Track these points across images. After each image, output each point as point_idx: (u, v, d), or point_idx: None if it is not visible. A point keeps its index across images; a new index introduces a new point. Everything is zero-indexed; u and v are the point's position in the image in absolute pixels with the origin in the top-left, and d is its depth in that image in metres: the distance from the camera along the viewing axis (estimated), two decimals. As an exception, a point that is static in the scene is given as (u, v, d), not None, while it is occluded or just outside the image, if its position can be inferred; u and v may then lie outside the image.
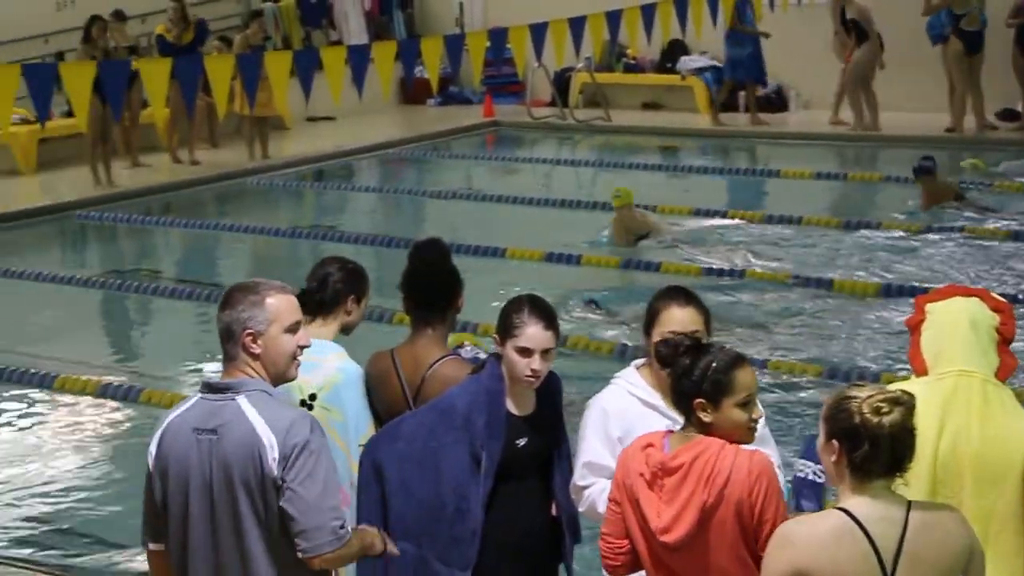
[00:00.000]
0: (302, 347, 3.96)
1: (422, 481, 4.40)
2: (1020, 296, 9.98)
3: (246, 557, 3.79)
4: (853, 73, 17.12)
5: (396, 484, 4.44)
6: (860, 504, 3.49)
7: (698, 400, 3.83)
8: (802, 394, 8.47)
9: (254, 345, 3.87)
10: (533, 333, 4.38)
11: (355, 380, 4.87)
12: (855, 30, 16.99)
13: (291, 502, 3.71)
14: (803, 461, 4.56)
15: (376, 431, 4.88)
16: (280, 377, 3.95)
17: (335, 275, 4.98)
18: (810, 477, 4.34)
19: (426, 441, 4.42)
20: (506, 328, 4.41)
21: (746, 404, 3.85)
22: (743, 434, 3.87)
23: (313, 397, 4.80)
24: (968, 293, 4.21)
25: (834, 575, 3.44)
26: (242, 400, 3.80)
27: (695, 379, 3.84)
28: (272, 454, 3.71)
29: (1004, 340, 4.12)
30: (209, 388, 3.87)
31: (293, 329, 3.92)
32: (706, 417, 3.83)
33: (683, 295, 4.44)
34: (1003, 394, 4.04)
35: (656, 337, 4.33)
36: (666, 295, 4.45)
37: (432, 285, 4.92)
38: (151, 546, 3.96)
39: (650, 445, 3.89)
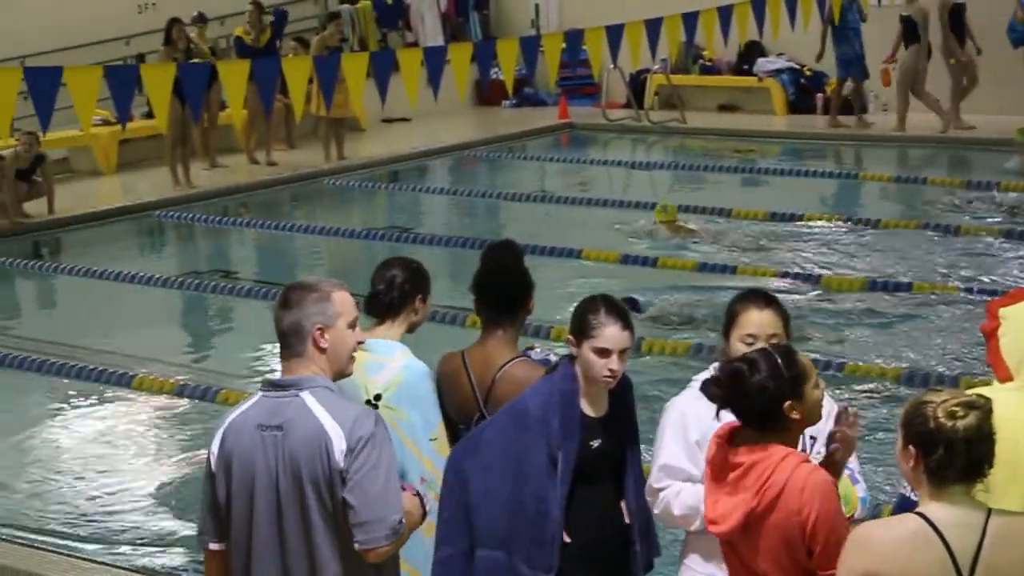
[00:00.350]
0: (359, 343, 4.04)
1: (505, 487, 4.40)
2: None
3: (313, 552, 3.81)
4: (901, 76, 17.06)
5: (481, 493, 4.43)
6: (938, 510, 3.45)
7: (787, 403, 3.81)
8: (880, 398, 8.38)
9: (323, 339, 3.91)
10: (611, 334, 4.37)
11: (421, 378, 4.87)
12: (907, 29, 16.88)
13: (353, 493, 3.75)
14: None
15: (443, 429, 4.89)
16: (340, 373, 4.00)
17: (401, 276, 4.98)
18: (913, 497, 4.27)
19: (506, 446, 4.42)
20: (582, 329, 4.40)
21: (816, 384, 3.87)
22: (818, 413, 3.90)
23: (378, 397, 4.80)
24: None
25: None
26: (306, 396, 3.84)
27: (775, 386, 3.81)
28: (340, 446, 3.74)
29: None
30: (272, 385, 3.91)
31: (353, 325, 3.99)
32: (796, 415, 3.83)
33: (763, 297, 4.40)
34: None
35: (735, 339, 4.31)
36: (745, 297, 4.42)
37: (504, 286, 4.91)
38: (212, 546, 3.97)
39: (723, 436, 3.90)
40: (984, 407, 3.47)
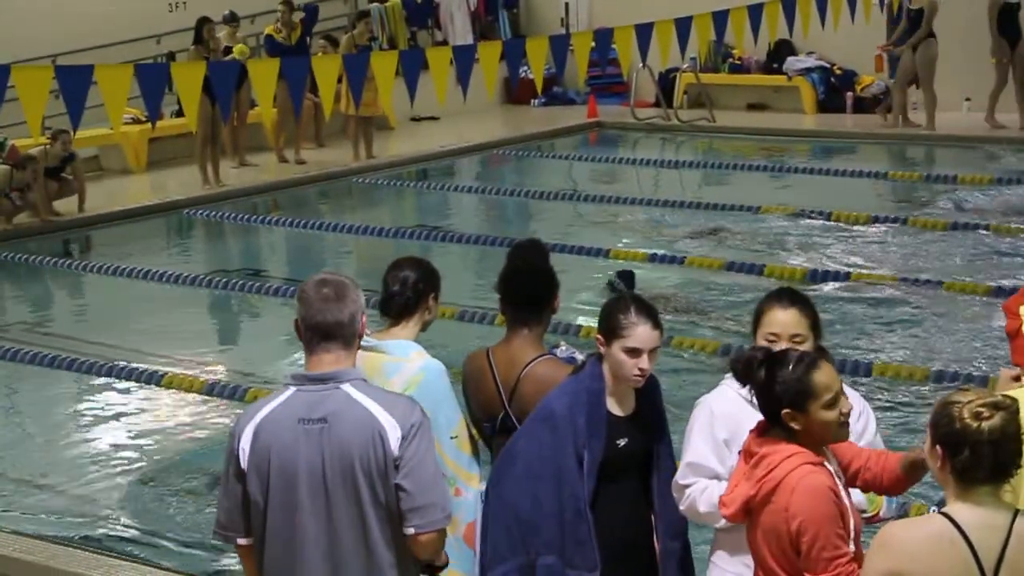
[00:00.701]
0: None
1: (548, 491, 4.40)
2: None
3: (368, 541, 3.84)
4: (903, 73, 17.02)
5: (529, 503, 4.42)
6: (963, 510, 3.45)
7: (785, 411, 3.82)
8: (909, 397, 8.34)
9: (366, 331, 3.98)
10: (642, 333, 4.38)
11: (438, 376, 4.85)
12: (914, 23, 16.77)
13: (408, 479, 3.79)
14: None
15: (464, 427, 4.89)
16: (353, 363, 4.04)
17: (414, 275, 4.98)
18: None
19: (541, 452, 4.42)
20: (612, 329, 4.40)
21: (833, 403, 3.82)
22: (836, 432, 3.87)
23: None
24: None
25: None
26: (348, 388, 3.86)
27: (777, 392, 3.84)
28: (395, 434, 3.79)
29: None
30: (308, 380, 3.90)
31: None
32: (796, 425, 3.84)
33: (787, 297, 4.39)
34: None
35: (759, 338, 4.31)
36: (771, 296, 4.42)
37: (530, 285, 4.92)
38: (241, 541, 3.96)
39: (756, 428, 3.96)
40: (1010, 408, 3.45)
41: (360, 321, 3.95)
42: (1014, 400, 3.50)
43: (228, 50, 15.91)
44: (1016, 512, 3.46)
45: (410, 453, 3.80)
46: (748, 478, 3.87)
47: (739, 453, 3.99)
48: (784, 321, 4.30)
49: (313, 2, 19.69)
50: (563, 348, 4.97)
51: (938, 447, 3.50)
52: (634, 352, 4.37)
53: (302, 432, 3.82)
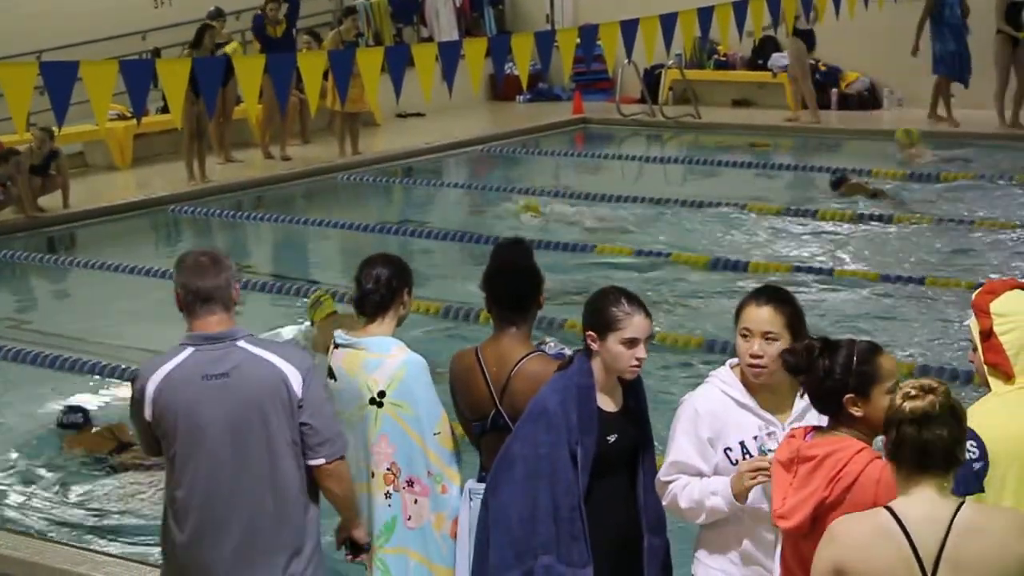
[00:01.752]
0: None
1: (544, 491, 4.41)
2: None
3: (277, 477, 4.33)
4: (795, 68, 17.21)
5: (530, 506, 4.42)
6: (906, 503, 3.43)
7: (848, 396, 3.82)
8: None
9: (238, 295, 4.48)
10: (638, 323, 4.42)
11: (420, 372, 4.89)
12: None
13: (313, 416, 4.35)
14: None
15: (446, 423, 4.91)
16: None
17: (386, 272, 5.00)
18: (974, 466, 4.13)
19: (536, 452, 4.43)
20: (607, 322, 4.42)
21: (893, 389, 3.78)
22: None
23: (382, 395, 4.82)
24: (1014, 286, 4.03)
25: (867, 572, 3.40)
26: (244, 344, 4.37)
27: (839, 376, 3.83)
28: (297, 379, 4.31)
29: None
30: (204, 339, 4.34)
31: None
32: (857, 411, 3.84)
33: (764, 295, 4.41)
34: None
35: (737, 334, 4.33)
36: (751, 294, 4.45)
37: (516, 283, 4.93)
38: (155, 459, 4.45)
39: (793, 436, 3.94)
40: (941, 391, 3.43)
41: (234, 287, 4.42)
42: (945, 385, 3.47)
43: (219, 46, 15.89)
44: (960, 504, 3.42)
45: (311, 395, 4.34)
46: (806, 483, 3.79)
47: (774, 464, 3.91)
48: (757, 318, 4.31)
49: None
50: (551, 344, 4.99)
51: (882, 435, 3.55)
52: (632, 343, 4.41)
53: (207, 387, 4.27)
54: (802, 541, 3.82)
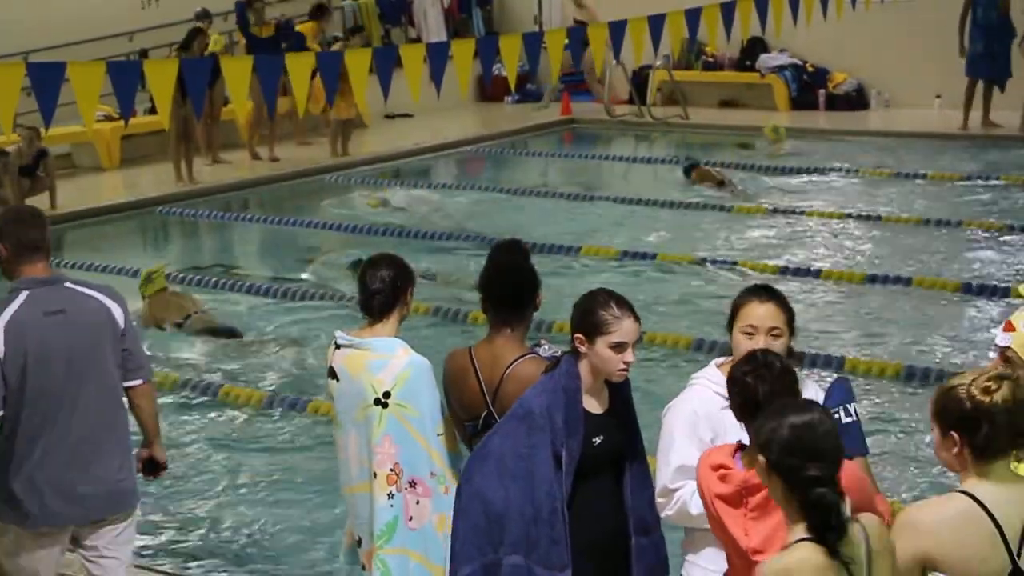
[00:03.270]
0: None
1: (521, 491, 4.40)
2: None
3: (113, 394, 5.09)
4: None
5: (502, 502, 4.42)
6: (984, 487, 3.51)
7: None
8: (881, 392, 8.40)
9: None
10: (627, 327, 4.41)
11: (424, 373, 4.89)
12: None
13: (132, 343, 5.17)
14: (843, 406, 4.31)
15: (448, 423, 4.91)
16: None
17: (390, 273, 5.02)
18: (843, 420, 4.22)
19: (516, 450, 4.42)
20: (596, 326, 4.41)
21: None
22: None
23: (387, 395, 4.83)
24: None
25: (960, 560, 3.47)
26: (70, 285, 5.09)
27: (776, 390, 3.82)
28: (119, 312, 5.09)
29: None
30: (37, 283, 5.00)
31: None
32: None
33: (765, 291, 4.42)
34: None
35: (736, 331, 4.34)
36: (749, 291, 4.45)
37: (512, 285, 4.93)
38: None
39: (723, 466, 3.88)
40: (1012, 377, 3.56)
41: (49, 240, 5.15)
42: (1012, 371, 3.64)
43: (207, 48, 15.88)
44: None
45: (129, 326, 5.15)
46: (767, 510, 3.72)
47: (716, 501, 3.83)
48: (762, 314, 4.32)
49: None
50: (545, 347, 4.97)
51: (953, 433, 3.55)
52: (620, 347, 4.40)
53: (50, 322, 4.94)
54: None
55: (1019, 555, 3.48)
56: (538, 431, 4.40)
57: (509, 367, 4.80)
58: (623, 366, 4.42)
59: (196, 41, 15.67)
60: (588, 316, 4.44)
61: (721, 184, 14.60)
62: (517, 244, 5.14)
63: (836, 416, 4.09)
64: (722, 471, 3.85)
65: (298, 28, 17.85)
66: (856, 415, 4.23)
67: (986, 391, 3.51)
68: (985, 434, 3.50)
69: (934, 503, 3.61)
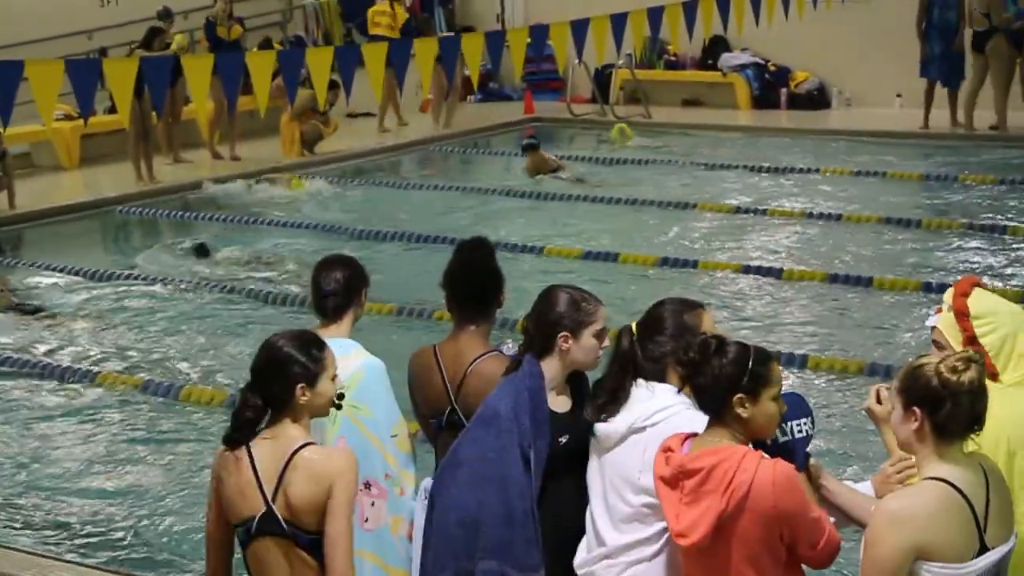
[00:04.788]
0: None
1: (495, 495, 4.38)
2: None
3: None
4: None
5: (475, 507, 4.40)
6: (950, 471, 3.60)
7: (738, 396, 3.82)
8: (843, 390, 8.43)
9: None
10: (604, 312, 4.49)
11: (379, 374, 4.89)
12: None
13: None
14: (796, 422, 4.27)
15: (403, 425, 4.89)
16: None
17: (345, 274, 5.02)
18: (798, 435, 4.22)
19: (486, 455, 4.41)
20: (582, 319, 4.44)
21: (777, 398, 3.88)
22: (773, 426, 3.92)
23: (341, 396, 4.81)
24: (975, 283, 4.14)
25: (947, 545, 3.55)
26: None
27: (732, 374, 3.84)
28: None
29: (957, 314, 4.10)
30: None
31: None
32: (744, 412, 3.84)
33: (700, 304, 4.44)
34: None
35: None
36: (693, 305, 4.39)
37: (478, 283, 4.94)
38: None
39: (670, 449, 3.90)
40: (980, 362, 3.65)
41: None
42: (980, 355, 3.70)
43: (166, 46, 15.78)
44: (979, 462, 3.66)
45: None
46: (698, 496, 3.77)
47: (657, 481, 3.88)
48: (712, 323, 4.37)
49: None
50: (509, 345, 4.98)
51: (915, 409, 3.63)
52: (601, 333, 4.44)
53: None
54: (703, 556, 3.80)
55: (985, 531, 3.59)
56: (506, 433, 4.39)
57: (472, 364, 4.80)
58: (600, 352, 4.46)
59: (156, 40, 15.59)
60: (573, 311, 4.46)
61: (555, 170, 15.00)
62: (483, 242, 5.14)
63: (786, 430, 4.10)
64: (668, 454, 3.87)
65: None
66: (806, 432, 4.18)
67: (954, 371, 3.61)
68: (948, 412, 3.60)
69: (913, 493, 3.66)
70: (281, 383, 4.14)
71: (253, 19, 19.37)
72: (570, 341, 4.45)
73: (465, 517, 4.40)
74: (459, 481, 4.44)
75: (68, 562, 6.37)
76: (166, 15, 16.62)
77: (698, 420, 4.03)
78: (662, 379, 4.20)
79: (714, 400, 3.88)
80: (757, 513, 3.72)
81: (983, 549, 3.59)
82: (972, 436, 3.65)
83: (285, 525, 4.06)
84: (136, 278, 11.66)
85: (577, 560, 4.31)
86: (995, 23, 16.38)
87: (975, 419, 3.63)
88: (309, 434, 4.20)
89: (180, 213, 14.33)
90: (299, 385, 4.13)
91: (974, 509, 3.57)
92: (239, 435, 4.16)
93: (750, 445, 3.88)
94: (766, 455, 3.81)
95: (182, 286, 11.34)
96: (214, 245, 12.46)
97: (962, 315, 4.10)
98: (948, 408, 3.59)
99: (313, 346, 4.21)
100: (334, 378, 4.24)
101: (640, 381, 4.22)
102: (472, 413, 4.60)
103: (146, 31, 15.83)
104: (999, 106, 16.76)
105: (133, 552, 6.76)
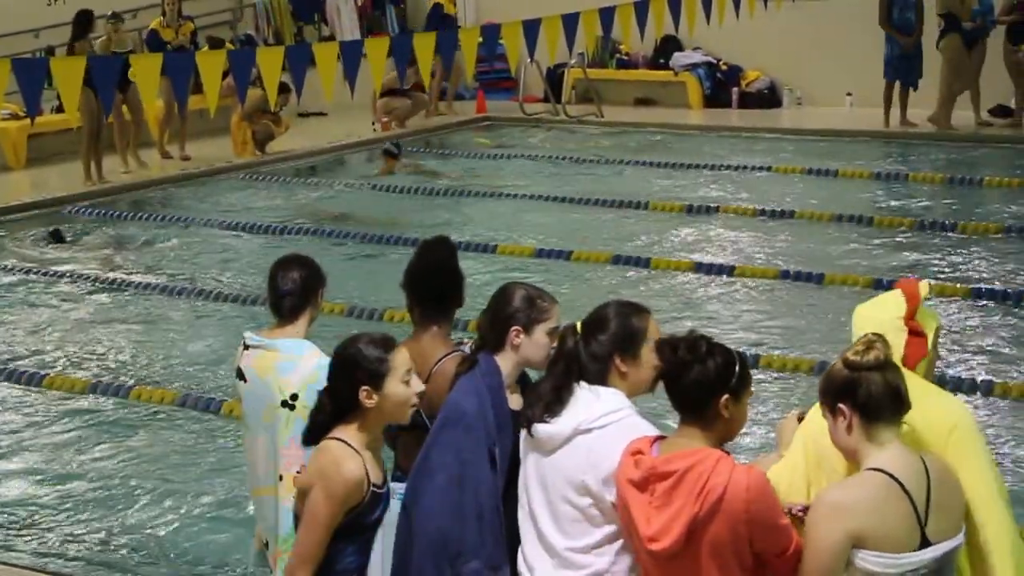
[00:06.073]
0: None
1: (470, 496, 4.35)
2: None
3: None
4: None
5: (455, 514, 4.35)
6: (890, 461, 3.61)
7: (725, 397, 3.83)
8: (794, 388, 8.46)
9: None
10: (558, 311, 4.49)
11: None
12: None
13: None
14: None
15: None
16: None
17: (301, 274, 5.01)
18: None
19: (457, 457, 4.38)
20: (536, 316, 4.44)
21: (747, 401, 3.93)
22: (737, 430, 3.92)
23: (295, 397, 4.79)
24: (897, 286, 4.13)
25: (885, 535, 3.57)
26: None
27: (723, 375, 3.83)
28: None
29: (912, 330, 4.00)
30: None
31: None
32: (727, 413, 3.84)
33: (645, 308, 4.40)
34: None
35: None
36: (640, 310, 4.33)
37: (440, 283, 4.92)
38: None
39: (639, 451, 3.87)
40: (881, 339, 3.70)
41: None
42: (881, 335, 3.73)
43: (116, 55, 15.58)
44: (920, 456, 3.67)
45: None
46: (669, 500, 3.73)
47: (625, 484, 3.84)
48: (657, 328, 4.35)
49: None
50: (471, 345, 4.96)
51: (840, 405, 3.66)
52: (554, 332, 4.43)
53: None
54: (672, 561, 3.77)
55: (926, 524, 3.59)
56: (475, 432, 4.37)
57: (436, 364, 4.78)
58: (550, 351, 4.42)
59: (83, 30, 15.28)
60: (529, 307, 4.45)
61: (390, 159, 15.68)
62: (446, 242, 5.12)
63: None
64: (638, 456, 3.85)
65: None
66: None
67: (857, 353, 3.67)
68: (865, 392, 3.63)
69: (853, 483, 3.67)
70: (345, 386, 4.11)
71: (202, 18, 19.22)
72: (522, 336, 4.44)
73: (444, 522, 4.36)
74: (435, 489, 4.38)
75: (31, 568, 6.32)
76: (114, 18, 16.35)
77: (644, 426, 4.03)
78: (604, 379, 4.16)
79: (698, 400, 3.84)
80: (729, 517, 3.68)
81: (925, 543, 3.60)
82: (902, 422, 3.66)
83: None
84: (67, 276, 11.53)
85: (524, 564, 4.27)
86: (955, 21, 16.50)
87: (896, 395, 3.64)
88: (367, 441, 4.12)
89: (130, 213, 14.20)
90: (363, 388, 4.08)
91: (914, 501, 3.58)
92: (310, 436, 4.19)
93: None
94: (739, 463, 3.80)
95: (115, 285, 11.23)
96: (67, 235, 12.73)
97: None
98: (864, 389, 3.63)
99: (380, 347, 4.13)
100: (408, 381, 4.17)
101: (583, 384, 4.16)
102: (435, 414, 4.56)
103: (76, 19, 15.51)
104: (940, 102, 16.90)
105: (68, 550, 6.70)
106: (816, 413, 3.90)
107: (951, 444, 3.79)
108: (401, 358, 4.14)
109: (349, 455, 4.04)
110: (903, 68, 17.06)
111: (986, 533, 3.76)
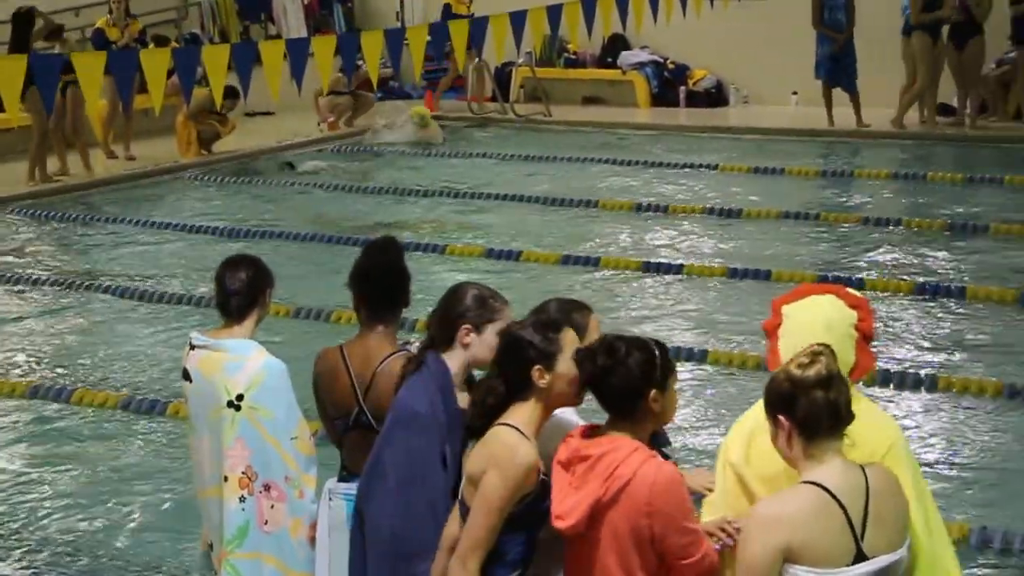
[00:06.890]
0: None
1: (423, 496, 4.32)
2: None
3: None
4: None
5: (405, 515, 4.33)
6: (827, 475, 3.57)
7: (654, 392, 3.83)
8: (741, 386, 8.49)
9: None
10: (509, 312, 4.47)
11: (280, 376, 4.86)
12: None
13: None
14: None
15: (304, 427, 4.82)
16: None
17: (248, 274, 4.99)
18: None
19: (408, 457, 4.35)
20: (486, 315, 4.43)
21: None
22: (674, 411, 3.96)
23: (240, 397, 4.77)
24: (824, 291, 4.05)
25: (817, 549, 3.54)
26: None
27: (647, 372, 3.83)
28: None
29: (864, 338, 3.98)
30: None
31: None
32: (657, 406, 3.85)
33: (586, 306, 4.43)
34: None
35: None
36: (577, 304, 4.39)
37: (386, 283, 4.89)
38: None
39: (572, 436, 3.92)
40: (827, 352, 3.63)
41: None
42: (828, 346, 3.66)
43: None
44: (862, 468, 3.62)
45: None
46: (583, 482, 3.78)
47: (556, 463, 3.89)
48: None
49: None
50: (417, 344, 4.95)
51: (780, 417, 3.62)
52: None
53: None
54: (578, 541, 3.81)
55: (862, 538, 3.56)
56: (427, 431, 4.34)
57: (381, 363, 4.76)
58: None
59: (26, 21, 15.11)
60: (479, 306, 4.45)
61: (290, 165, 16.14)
62: (392, 242, 5.10)
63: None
64: (570, 439, 3.89)
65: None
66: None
67: (801, 366, 3.61)
68: (804, 407, 3.57)
69: (786, 496, 3.65)
70: (517, 366, 4.04)
71: (148, 16, 19.06)
72: (472, 335, 4.42)
73: (395, 523, 4.34)
74: (387, 489, 4.36)
75: None
76: (57, 34, 16.06)
77: (577, 422, 4.06)
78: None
79: (629, 399, 3.85)
80: (631, 507, 3.71)
81: (861, 557, 3.56)
82: (844, 436, 3.62)
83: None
84: (9, 278, 11.47)
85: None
86: (914, 21, 16.57)
87: (835, 412, 3.59)
88: (535, 428, 4.02)
89: (73, 214, 14.06)
90: (536, 368, 4.01)
91: (848, 514, 3.55)
92: (479, 423, 4.06)
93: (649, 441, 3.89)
94: (656, 457, 3.81)
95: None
96: None
97: (773, 309, 4.06)
98: (803, 404, 3.58)
99: (549, 328, 4.09)
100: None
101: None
102: (381, 413, 4.54)
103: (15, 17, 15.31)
104: (901, 101, 17.02)
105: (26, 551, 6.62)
106: (748, 419, 3.91)
107: (886, 463, 3.76)
108: (569, 337, 4.08)
109: (522, 440, 3.95)
110: (831, 69, 17.12)
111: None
